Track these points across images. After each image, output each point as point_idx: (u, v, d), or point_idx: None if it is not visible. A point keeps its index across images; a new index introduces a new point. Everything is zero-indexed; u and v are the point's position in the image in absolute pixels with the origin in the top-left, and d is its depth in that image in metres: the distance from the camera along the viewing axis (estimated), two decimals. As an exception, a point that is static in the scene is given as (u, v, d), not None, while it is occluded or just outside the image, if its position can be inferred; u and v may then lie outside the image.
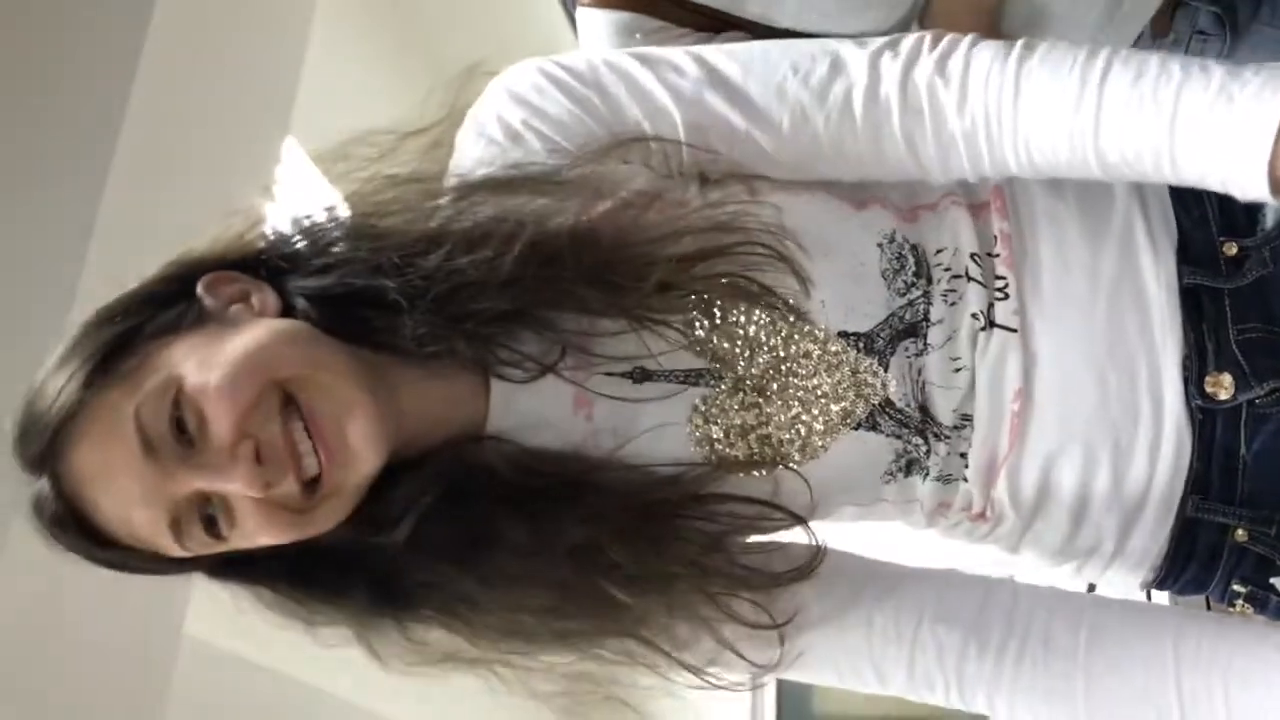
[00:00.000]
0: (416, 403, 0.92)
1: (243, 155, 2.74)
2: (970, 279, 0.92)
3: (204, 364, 0.86)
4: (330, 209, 0.96)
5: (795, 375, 0.91)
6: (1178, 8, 1.37)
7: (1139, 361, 0.91)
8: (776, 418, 0.92)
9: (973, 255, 0.93)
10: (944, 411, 0.93)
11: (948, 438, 0.93)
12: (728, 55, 0.94)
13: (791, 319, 0.91)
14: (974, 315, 0.92)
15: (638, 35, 1.34)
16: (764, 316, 0.90)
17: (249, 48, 2.63)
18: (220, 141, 2.43)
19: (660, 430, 0.93)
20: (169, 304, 0.92)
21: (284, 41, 2.81)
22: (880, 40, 0.92)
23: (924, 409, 0.93)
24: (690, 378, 0.92)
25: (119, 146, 2.01)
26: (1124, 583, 0.97)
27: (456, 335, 0.91)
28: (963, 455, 0.94)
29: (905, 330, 0.92)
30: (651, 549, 0.90)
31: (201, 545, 0.89)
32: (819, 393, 0.92)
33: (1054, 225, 0.95)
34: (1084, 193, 0.93)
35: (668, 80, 0.94)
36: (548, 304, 0.91)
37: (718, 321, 0.91)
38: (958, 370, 0.92)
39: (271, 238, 0.97)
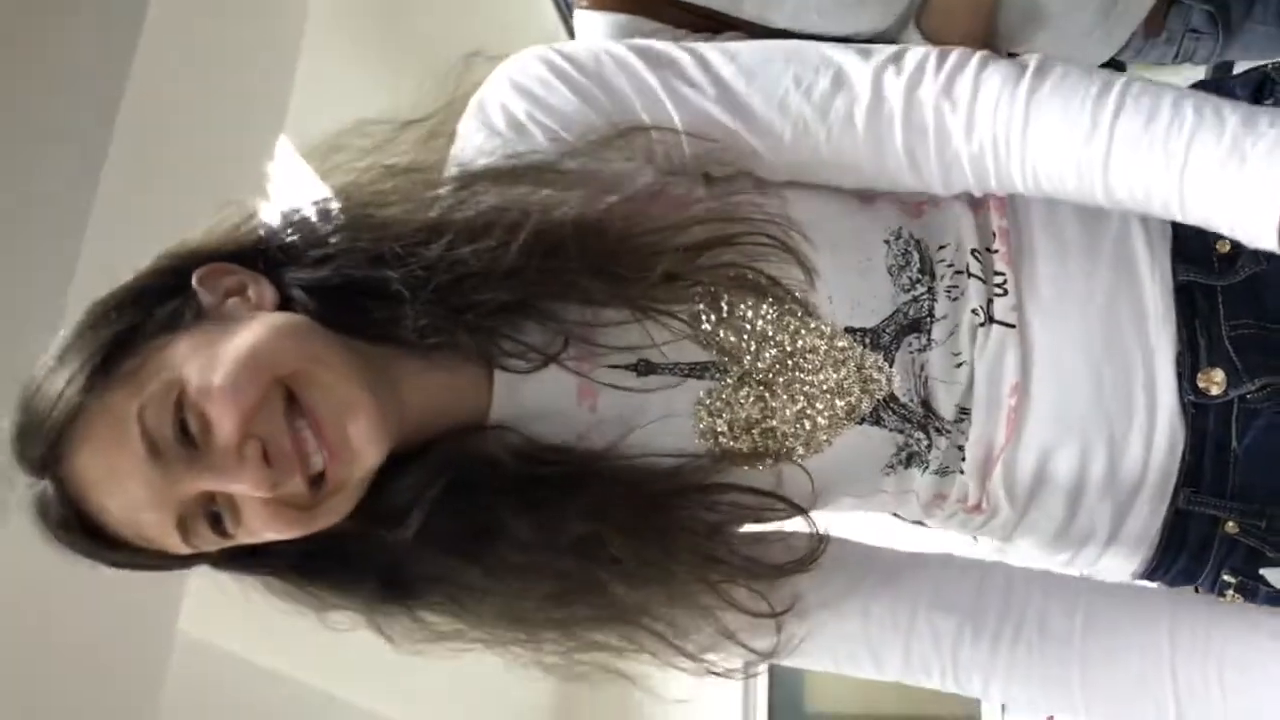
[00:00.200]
0: (418, 394, 0.92)
1: (237, 154, 2.74)
2: (971, 275, 0.93)
3: (206, 365, 0.86)
4: (326, 199, 0.96)
5: (801, 370, 0.92)
6: (1171, 6, 1.37)
7: (1134, 357, 0.92)
8: (782, 412, 0.93)
9: (973, 251, 0.94)
10: (945, 406, 0.94)
11: (948, 431, 0.94)
12: (732, 61, 0.94)
13: (799, 313, 0.91)
14: (974, 311, 0.93)
15: (636, 37, 1.35)
16: (771, 311, 0.91)
17: (242, 46, 2.63)
18: (214, 140, 2.43)
19: (664, 423, 0.93)
20: (165, 299, 0.91)
21: (278, 40, 2.81)
22: (884, 53, 0.91)
23: (926, 403, 0.94)
24: (695, 371, 0.92)
25: (112, 145, 2.01)
26: (1116, 573, 0.99)
27: (459, 326, 0.91)
28: (959, 448, 0.95)
29: (909, 326, 0.93)
30: (654, 539, 0.91)
31: (208, 543, 0.89)
32: (825, 388, 0.92)
33: (1052, 222, 0.95)
34: None
35: (671, 85, 0.94)
36: (552, 295, 0.91)
37: (724, 315, 0.91)
38: (959, 365, 0.93)
39: (267, 229, 0.97)
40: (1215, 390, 0.91)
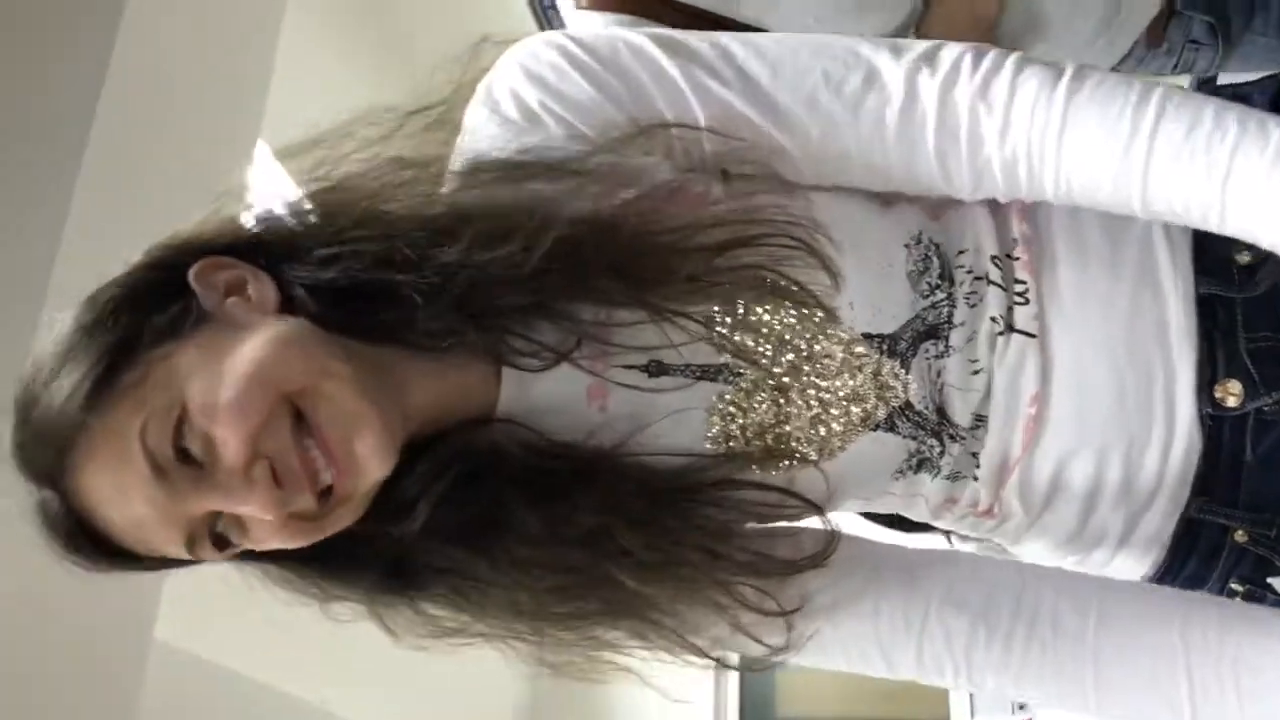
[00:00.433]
0: (425, 393, 0.90)
1: (213, 158, 2.72)
2: (990, 282, 0.92)
3: (210, 383, 0.83)
4: (332, 192, 0.92)
5: (818, 376, 0.90)
6: (1172, 17, 1.37)
7: (1155, 366, 0.91)
8: (796, 418, 0.91)
9: (993, 258, 0.93)
10: (960, 413, 0.93)
11: (962, 438, 0.93)
12: (756, 54, 0.91)
13: (818, 318, 0.89)
14: (992, 319, 0.92)
15: None
16: (789, 316, 0.89)
17: (219, 51, 2.62)
18: (190, 145, 2.41)
19: (675, 424, 0.90)
20: (163, 299, 0.88)
21: (254, 45, 2.79)
22: (916, 50, 0.89)
23: (940, 410, 0.93)
24: (708, 373, 0.90)
25: (88, 150, 2.00)
26: (1124, 575, 0.98)
27: (471, 327, 0.89)
28: (974, 455, 0.94)
29: (927, 332, 0.91)
30: (663, 535, 0.89)
31: (215, 556, 0.88)
32: (841, 394, 0.91)
33: (1074, 229, 0.94)
34: None
35: (693, 76, 0.91)
36: (566, 295, 0.89)
37: (740, 318, 0.89)
38: (975, 373, 0.92)
39: (268, 220, 0.93)
40: (1232, 402, 0.90)
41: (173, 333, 0.86)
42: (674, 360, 0.90)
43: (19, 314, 1.52)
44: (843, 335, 0.90)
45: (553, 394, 0.90)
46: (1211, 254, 0.89)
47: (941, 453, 0.92)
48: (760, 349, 0.89)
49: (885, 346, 0.91)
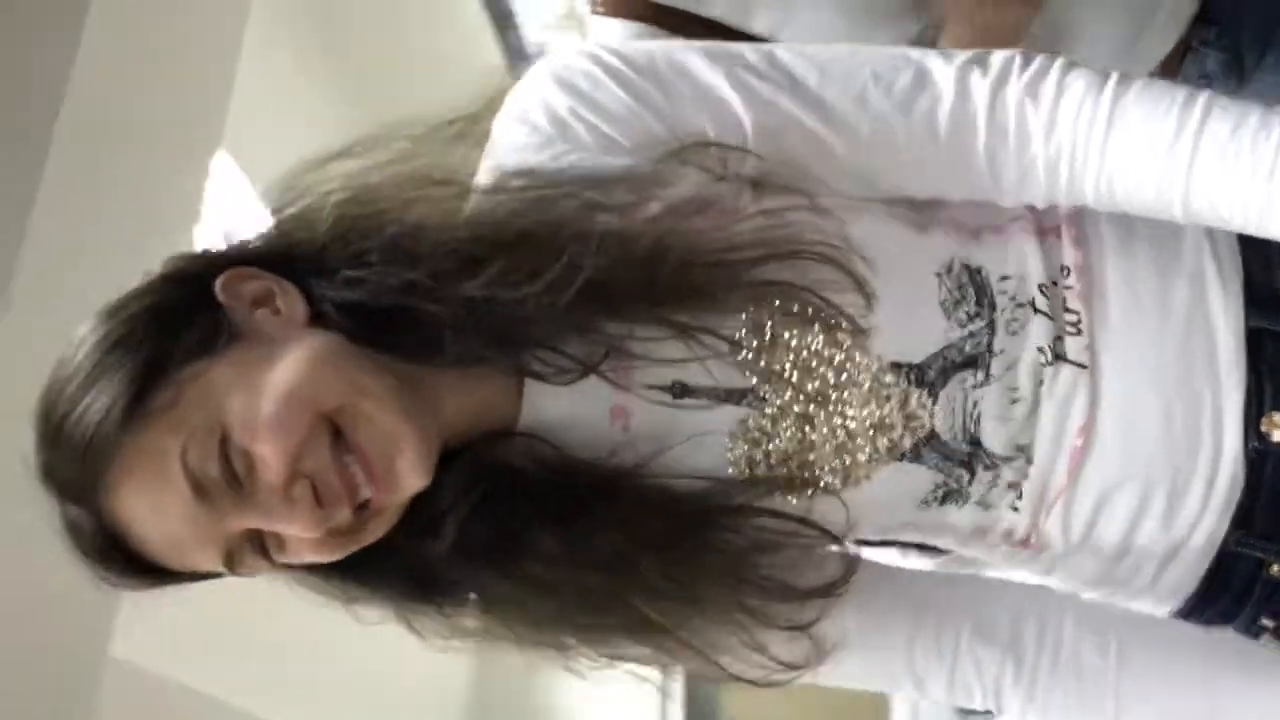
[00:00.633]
0: (452, 409, 0.89)
1: (174, 169, 2.71)
2: (1036, 310, 0.91)
3: (249, 402, 0.83)
4: (356, 204, 0.90)
5: (844, 404, 0.89)
6: (1188, 52, 1.38)
7: (1204, 399, 0.90)
8: (821, 446, 0.90)
9: (1040, 285, 0.91)
10: (997, 442, 0.91)
11: (994, 466, 0.92)
12: (802, 57, 0.90)
13: (846, 345, 0.88)
14: (1040, 349, 0.90)
15: None
16: (817, 341, 0.88)
17: (180, 61, 2.60)
18: (151, 156, 2.40)
19: (697, 447, 0.90)
20: (190, 313, 0.87)
21: (216, 56, 2.78)
22: (965, 54, 0.89)
23: (975, 440, 0.91)
24: (733, 397, 0.89)
25: (49, 161, 1.98)
26: (1153, 610, 0.97)
27: (497, 350, 0.88)
28: (1012, 485, 0.92)
29: (964, 362, 0.90)
30: (683, 559, 0.89)
31: (253, 570, 0.87)
32: (867, 423, 0.89)
33: (1126, 258, 0.93)
34: (1155, 226, 0.92)
35: (739, 79, 0.89)
36: (594, 313, 0.87)
37: (767, 342, 0.88)
38: (1015, 401, 0.91)
39: (291, 233, 0.91)
40: (1278, 436, 0.90)
41: (204, 349, 0.85)
42: (699, 383, 0.89)
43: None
44: (870, 364, 0.88)
45: (575, 410, 0.89)
46: (1261, 286, 0.89)
47: (970, 480, 0.91)
48: (786, 374, 0.88)
49: (913, 376, 0.89)
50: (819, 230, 0.86)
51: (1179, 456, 0.89)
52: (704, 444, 0.89)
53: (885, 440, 0.90)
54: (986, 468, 0.91)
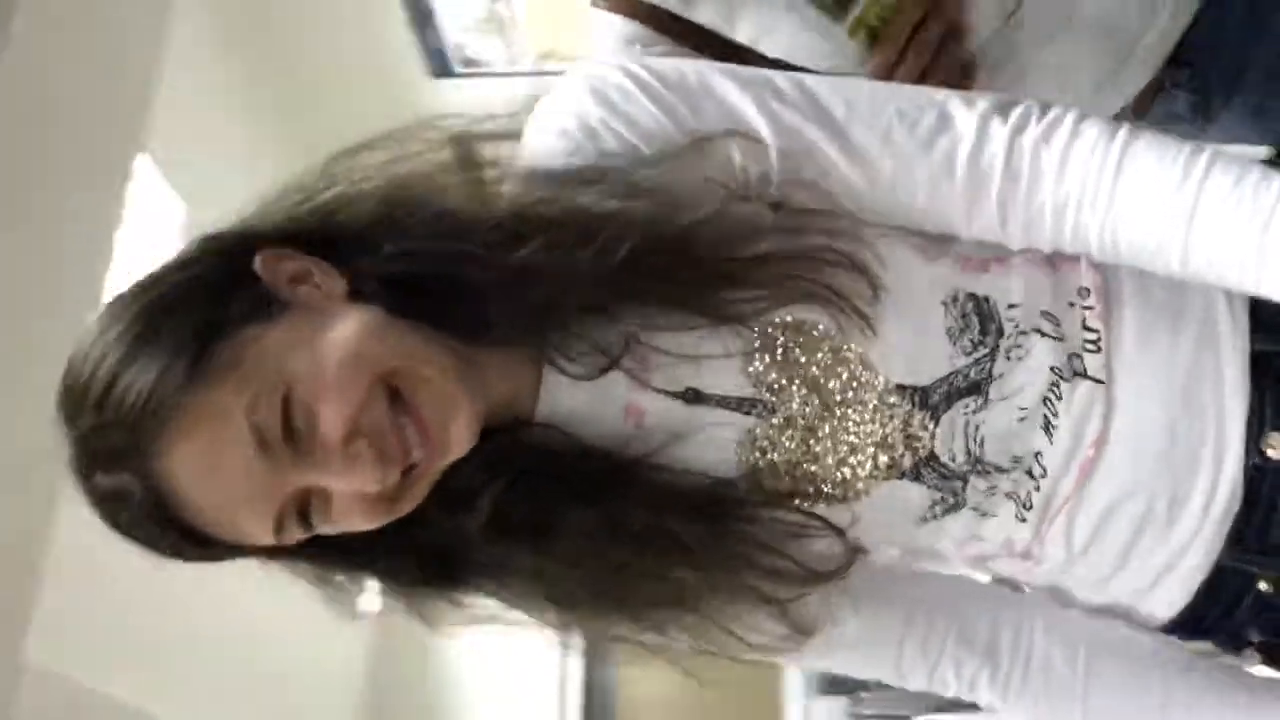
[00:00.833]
0: (488, 387, 0.91)
1: (94, 171, 2.68)
2: (1043, 335, 0.93)
3: (311, 361, 0.84)
4: (395, 188, 0.92)
5: (849, 420, 0.92)
6: (1159, 92, 1.42)
7: (1208, 417, 0.93)
8: (823, 458, 0.93)
9: (1044, 312, 0.94)
10: (999, 456, 0.94)
11: (990, 474, 0.94)
12: (831, 89, 0.93)
13: (853, 363, 0.91)
14: (1053, 369, 0.93)
15: (638, 46, 1.36)
16: (827, 359, 0.91)
17: (101, 65, 2.58)
18: (72, 158, 2.38)
19: (704, 452, 0.92)
20: (233, 283, 0.88)
21: (137, 60, 2.76)
22: (988, 100, 0.92)
23: (975, 459, 0.94)
24: (743, 406, 0.92)
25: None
26: (1148, 620, 1.00)
27: (533, 326, 0.91)
28: (1009, 495, 0.95)
29: (968, 389, 0.93)
30: (700, 543, 0.91)
31: (296, 536, 0.87)
32: (870, 440, 0.92)
33: (1142, 281, 0.96)
34: None
35: (767, 104, 0.92)
36: (622, 297, 0.90)
37: (778, 358, 0.91)
38: (1021, 420, 0.93)
39: (328, 214, 0.93)
40: (1275, 454, 0.92)
41: (257, 315, 0.86)
42: (711, 390, 0.91)
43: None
44: (877, 383, 0.91)
45: (591, 405, 0.92)
46: (1266, 309, 0.92)
47: (965, 489, 0.94)
48: (794, 389, 0.91)
49: (918, 398, 0.92)
50: (836, 234, 0.90)
51: (1181, 470, 0.92)
52: (711, 450, 0.92)
53: (886, 458, 0.92)
54: (980, 474, 0.94)
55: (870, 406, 0.91)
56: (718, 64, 0.95)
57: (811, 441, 0.92)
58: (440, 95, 4.08)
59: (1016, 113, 0.90)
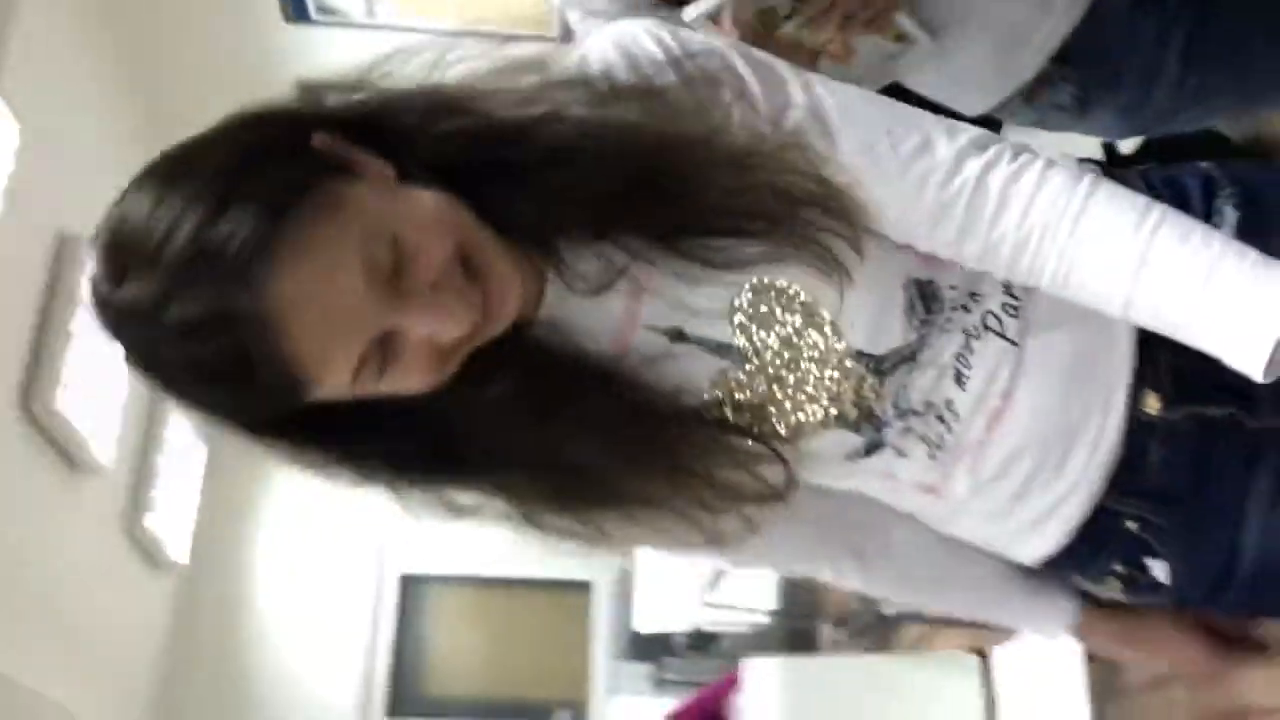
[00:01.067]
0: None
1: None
2: (968, 310, 1.04)
3: (408, 212, 0.90)
4: (441, 88, 0.97)
5: (810, 375, 1.02)
6: (1048, 82, 1.56)
7: (1100, 378, 1.06)
8: (782, 404, 1.02)
9: (971, 294, 1.04)
10: (919, 405, 1.05)
11: (909, 419, 1.06)
12: (831, 93, 1.01)
13: (824, 327, 1.01)
14: (964, 331, 1.04)
15: (640, 6, 1.43)
16: (800, 320, 1.01)
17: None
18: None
19: (678, 382, 1.00)
20: (300, 151, 0.91)
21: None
22: (968, 135, 1.01)
23: (901, 410, 1.06)
24: (720, 350, 1.01)
25: None
26: (1029, 554, 1.14)
27: (552, 227, 0.97)
28: (922, 438, 1.06)
29: (908, 357, 1.04)
30: (675, 444, 1.01)
31: (368, 385, 0.91)
32: (825, 395, 1.02)
33: None
34: None
35: (773, 98, 1.00)
36: (626, 230, 0.97)
37: (760, 313, 1.00)
38: (940, 375, 1.04)
39: (383, 106, 0.96)
40: (1152, 411, 1.06)
41: (339, 175, 0.90)
42: (694, 333, 1.01)
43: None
44: (839, 348, 1.02)
45: (585, 322, 1.00)
46: None
47: (888, 432, 1.06)
48: (768, 343, 1.01)
49: (871, 365, 1.04)
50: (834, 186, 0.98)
51: (1075, 424, 1.07)
52: (685, 379, 1.01)
53: (835, 410, 1.04)
54: (901, 419, 1.06)
55: (830, 365, 1.02)
56: (746, 50, 1.03)
57: (775, 388, 1.02)
58: (295, 41, 4.06)
59: (991, 151, 0.99)
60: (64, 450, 4.19)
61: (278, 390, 0.88)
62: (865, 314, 1.01)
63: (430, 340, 0.90)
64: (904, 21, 1.48)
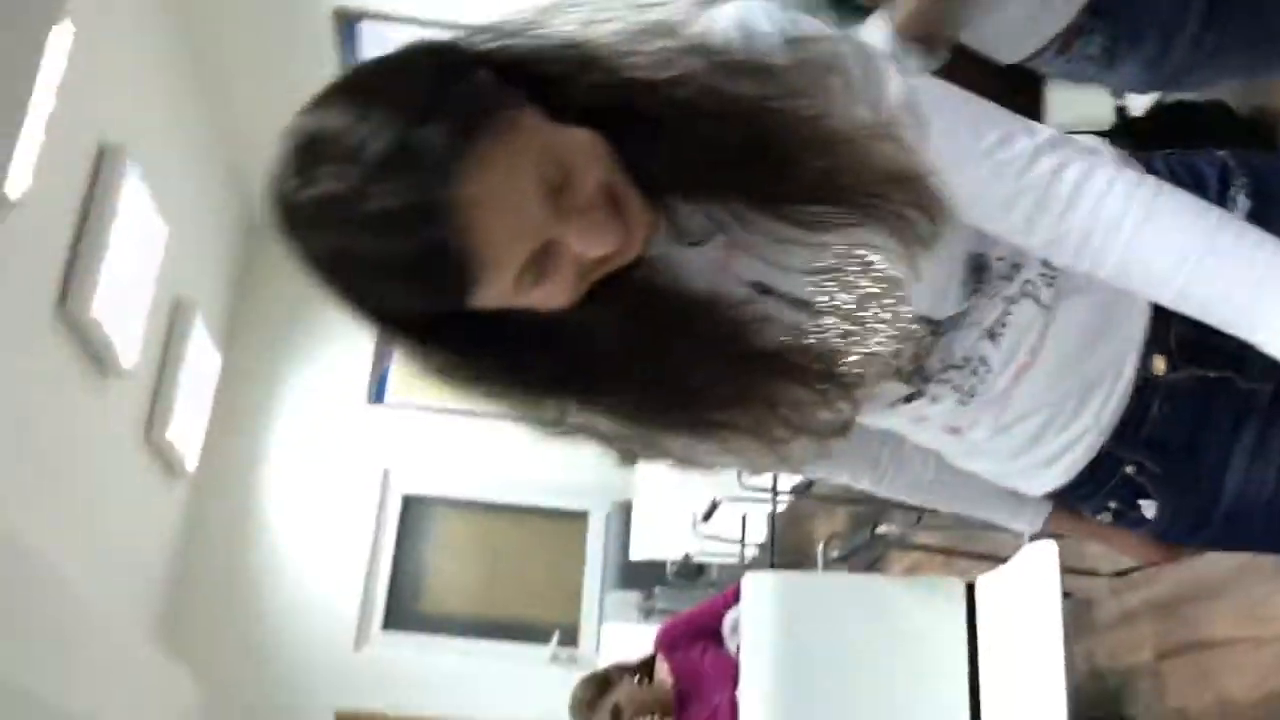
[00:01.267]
0: None
1: (8, 42, 2.80)
2: (1010, 279, 1.14)
3: (568, 142, 0.96)
4: (584, 43, 1.03)
5: (877, 333, 1.09)
6: (1080, 33, 1.63)
7: (1117, 340, 1.16)
8: (848, 357, 1.09)
9: (1014, 265, 1.14)
10: (959, 358, 1.15)
11: (948, 372, 1.16)
12: (926, 89, 1.09)
13: (897, 292, 1.08)
14: (1007, 298, 1.14)
15: None
16: (876, 285, 1.08)
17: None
18: None
19: (763, 332, 1.07)
20: (474, 79, 0.97)
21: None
22: (1046, 134, 1.08)
23: (946, 366, 1.16)
24: (799, 306, 1.08)
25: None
26: (1039, 487, 1.25)
27: (675, 181, 1.03)
28: (956, 387, 1.17)
29: (959, 320, 1.14)
30: (759, 374, 1.09)
31: (526, 295, 0.97)
32: (888, 352, 1.10)
33: None
34: None
35: (873, 88, 1.06)
36: (731, 191, 1.05)
37: (842, 277, 1.08)
38: (980, 335, 1.14)
39: (537, 52, 1.02)
40: (1159, 371, 1.15)
41: (509, 103, 0.96)
42: (779, 288, 1.10)
43: None
44: (907, 311, 1.11)
45: (683, 266, 1.08)
46: None
47: (930, 383, 1.17)
48: (846, 304, 1.09)
49: (931, 328, 1.15)
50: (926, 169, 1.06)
51: (1091, 381, 1.18)
52: (767, 328, 1.09)
53: (894, 365, 1.13)
54: (942, 370, 1.17)
55: (896, 327, 1.10)
56: (852, 40, 1.10)
57: (844, 341, 1.10)
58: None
59: (1067, 149, 1.08)
60: (95, 354, 4.29)
61: (454, 287, 0.95)
62: (932, 285, 1.11)
63: (579, 258, 0.97)
64: None
